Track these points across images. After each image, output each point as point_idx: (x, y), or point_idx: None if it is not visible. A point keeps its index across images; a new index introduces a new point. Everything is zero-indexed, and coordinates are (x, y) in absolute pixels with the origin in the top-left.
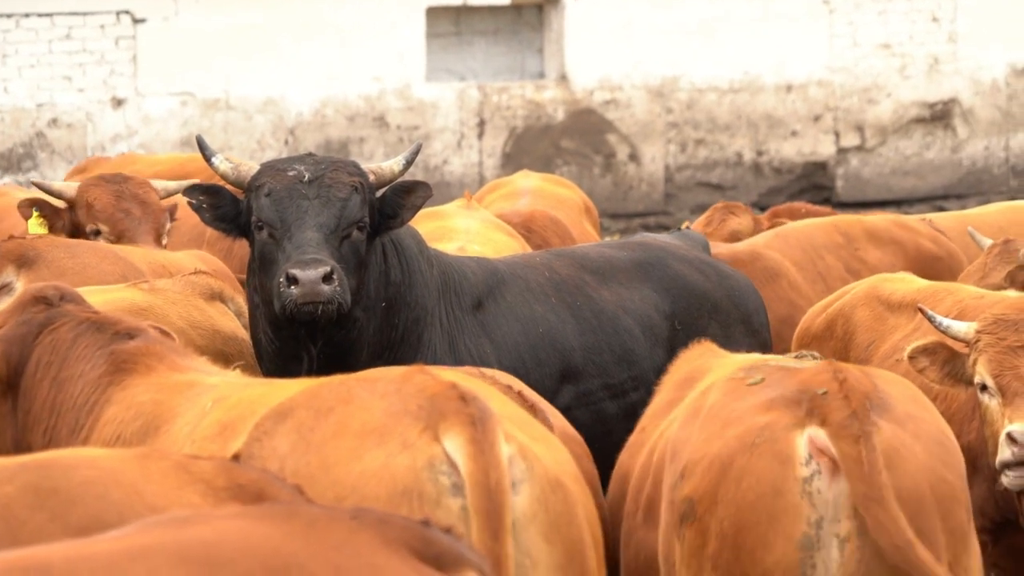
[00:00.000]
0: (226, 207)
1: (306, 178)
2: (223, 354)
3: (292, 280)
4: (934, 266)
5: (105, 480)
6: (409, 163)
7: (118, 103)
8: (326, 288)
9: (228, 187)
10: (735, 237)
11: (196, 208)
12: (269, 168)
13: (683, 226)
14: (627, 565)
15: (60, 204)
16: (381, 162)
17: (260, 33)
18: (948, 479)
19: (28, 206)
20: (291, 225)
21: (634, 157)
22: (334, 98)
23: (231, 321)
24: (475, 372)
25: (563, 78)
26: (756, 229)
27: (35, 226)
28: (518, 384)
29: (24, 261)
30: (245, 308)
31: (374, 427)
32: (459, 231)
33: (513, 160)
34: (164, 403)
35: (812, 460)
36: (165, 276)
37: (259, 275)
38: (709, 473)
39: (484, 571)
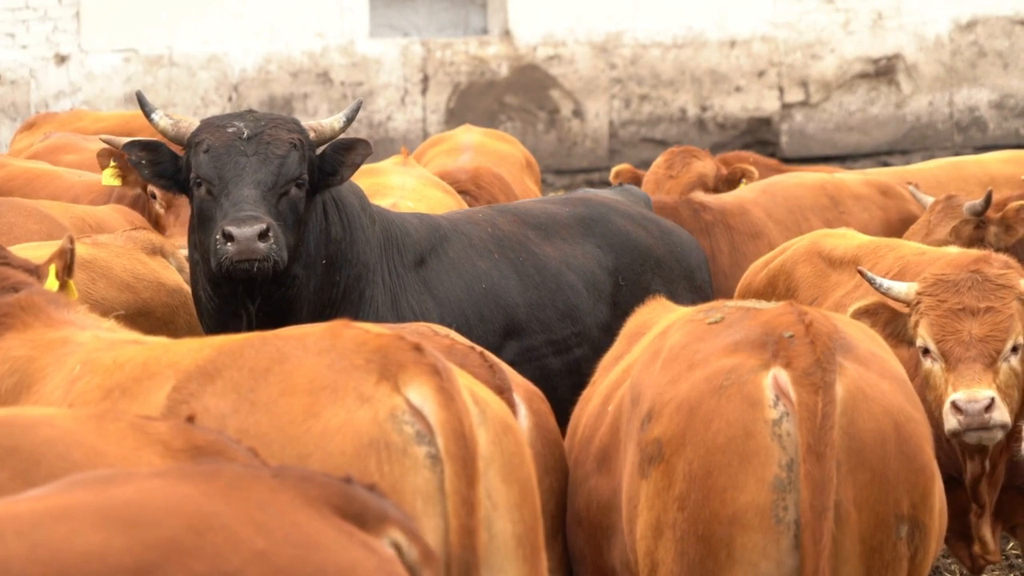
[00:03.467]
0: (165, 163)
1: (245, 135)
2: (169, 306)
3: (228, 237)
4: None
5: (65, 440)
6: (350, 120)
7: (61, 60)
8: (262, 245)
9: (168, 144)
10: (702, 181)
11: (135, 164)
12: (208, 125)
13: (614, 173)
14: (577, 513)
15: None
16: (322, 119)
17: None
18: (914, 417)
19: (106, 156)
20: (229, 182)
21: (578, 113)
22: (277, 54)
23: (174, 274)
24: (425, 328)
25: (507, 34)
26: (718, 173)
27: (109, 178)
28: (467, 342)
29: None
30: (185, 264)
31: (324, 383)
32: (394, 188)
33: (457, 116)
34: (37, 360)
35: (779, 402)
36: (86, 230)
37: (198, 232)
38: (678, 415)
39: (407, 528)
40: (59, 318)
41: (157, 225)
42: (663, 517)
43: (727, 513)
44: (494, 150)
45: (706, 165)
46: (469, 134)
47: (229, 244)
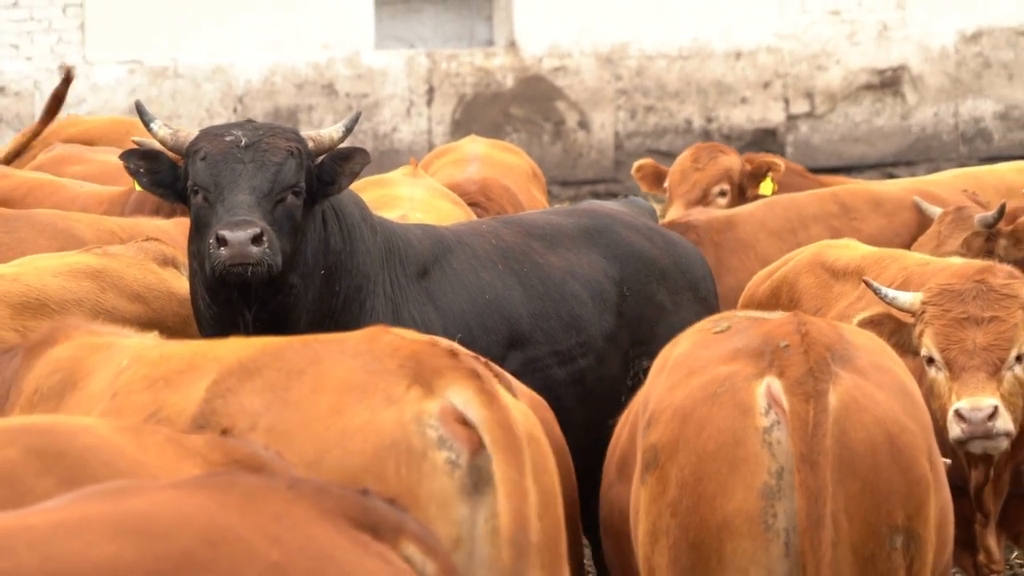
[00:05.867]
0: (163, 172)
1: (243, 143)
2: (180, 316)
3: (221, 241)
4: None
5: (107, 448)
6: (348, 130)
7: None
8: (255, 249)
9: (168, 153)
10: (728, 175)
11: (133, 173)
12: (207, 134)
13: (635, 167)
14: (604, 521)
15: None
16: (320, 129)
17: (208, 1)
18: (910, 428)
19: None
20: (224, 188)
21: (583, 124)
22: (282, 66)
23: (186, 285)
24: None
25: (512, 45)
26: (743, 169)
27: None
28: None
29: None
30: None
31: (354, 384)
32: (403, 199)
33: (462, 127)
34: (82, 360)
35: (771, 410)
36: (116, 242)
37: (195, 240)
38: (672, 422)
39: (425, 540)
40: (103, 331)
41: None
42: (658, 523)
43: (716, 520)
44: (500, 161)
45: (732, 160)
46: (475, 145)
47: (223, 248)
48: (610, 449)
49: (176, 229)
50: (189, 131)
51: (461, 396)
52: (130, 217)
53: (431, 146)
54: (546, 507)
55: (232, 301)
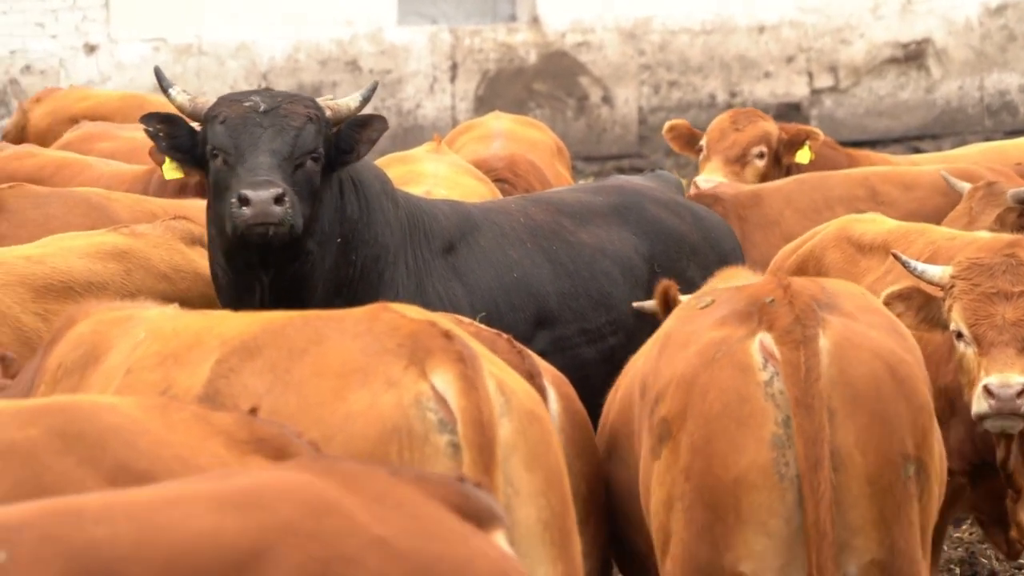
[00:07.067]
0: (182, 137)
1: (261, 108)
2: (207, 296)
3: (244, 200)
4: None
5: (131, 427)
6: (366, 100)
7: (91, 49)
8: (277, 209)
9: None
10: (765, 138)
11: (152, 136)
12: (225, 99)
13: (667, 127)
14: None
15: None
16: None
17: None
18: (907, 360)
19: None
20: (245, 151)
21: (607, 99)
22: (306, 42)
23: None
24: (452, 319)
25: (535, 20)
26: (780, 136)
27: (170, 171)
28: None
29: None
30: None
31: (355, 366)
32: (427, 175)
33: (486, 103)
34: (104, 334)
35: (768, 364)
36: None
37: (213, 203)
38: (678, 393)
39: (506, 527)
40: (123, 304)
41: None
42: (672, 491)
43: (730, 476)
44: (525, 137)
45: (770, 125)
46: (499, 121)
47: (245, 208)
48: (599, 428)
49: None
50: (207, 98)
51: (442, 380)
52: (155, 197)
53: (455, 122)
54: (550, 484)
55: (251, 265)
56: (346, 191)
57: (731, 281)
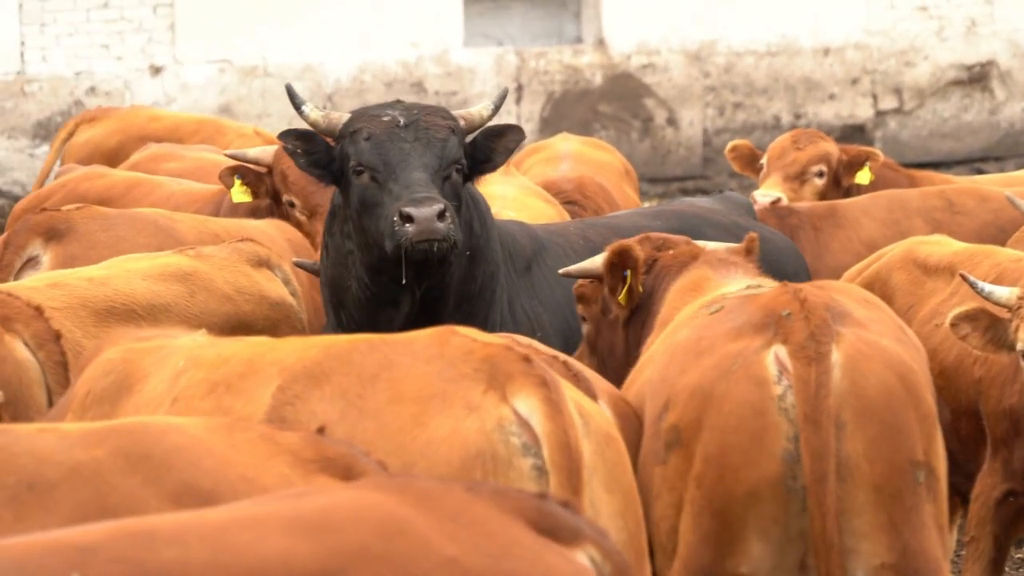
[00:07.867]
0: (320, 153)
1: (401, 122)
2: (270, 319)
3: (407, 218)
4: None
5: (196, 448)
6: (497, 108)
7: (156, 71)
8: (441, 225)
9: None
10: (826, 158)
11: (291, 153)
12: (362, 115)
13: (729, 148)
14: None
15: (261, 170)
16: (469, 109)
17: None
18: (915, 368)
19: (229, 175)
20: (396, 167)
21: (672, 121)
22: (371, 64)
23: (278, 287)
24: (510, 340)
25: (600, 43)
26: (840, 157)
27: (239, 194)
28: (561, 355)
29: (53, 234)
30: (292, 276)
31: (433, 392)
32: (495, 197)
33: (551, 125)
34: (135, 362)
35: (782, 377)
36: (217, 244)
37: (360, 219)
38: (692, 401)
39: (602, 543)
40: (149, 334)
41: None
42: (684, 495)
43: (742, 490)
44: (593, 159)
45: (831, 146)
46: (567, 143)
47: (408, 225)
48: None
49: (275, 230)
50: (339, 114)
51: (526, 404)
52: (229, 218)
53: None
54: (627, 505)
55: (405, 279)
56: (470, 207)
57: None
